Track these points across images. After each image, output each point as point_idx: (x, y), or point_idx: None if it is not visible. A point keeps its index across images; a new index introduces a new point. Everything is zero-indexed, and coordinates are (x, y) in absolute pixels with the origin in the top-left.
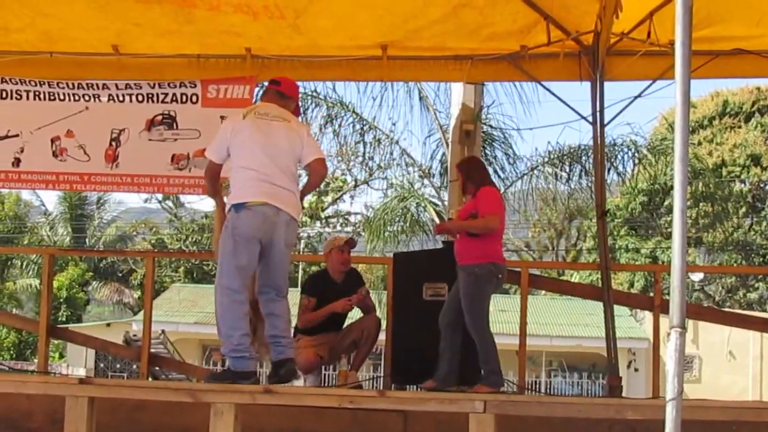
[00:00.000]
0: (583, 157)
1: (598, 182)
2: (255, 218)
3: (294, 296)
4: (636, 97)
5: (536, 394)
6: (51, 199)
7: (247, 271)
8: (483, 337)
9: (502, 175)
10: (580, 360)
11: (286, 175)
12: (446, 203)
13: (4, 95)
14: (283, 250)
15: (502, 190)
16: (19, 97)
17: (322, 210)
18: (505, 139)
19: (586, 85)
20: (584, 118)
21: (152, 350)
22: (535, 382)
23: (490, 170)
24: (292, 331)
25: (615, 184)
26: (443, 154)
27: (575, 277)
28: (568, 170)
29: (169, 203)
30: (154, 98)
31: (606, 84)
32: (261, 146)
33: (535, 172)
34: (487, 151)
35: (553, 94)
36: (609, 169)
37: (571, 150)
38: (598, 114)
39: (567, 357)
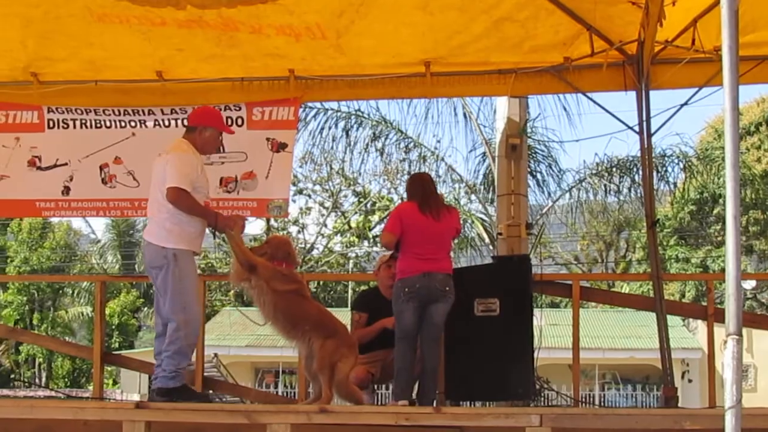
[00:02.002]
0: (632, 168)
1: (647, 192)
2: None
3: (337, 315)
4: (682, 105)
5: (591, 407)
6: (99, 227)
7: (156, 306)
8: (395, 351)
9: (547, 189)
10: (634, 372)
11: (152, 204)
12: (494, 218)
13: (51, 125)
14: (151, 273)
15: (549, 204)
16: (66, 126)
17: (369, 229)
18: (549, 153)
19: (632, 95)
20: (631, 128)
21: (206, 374)
22: (589, 395)
23: (533, 183)
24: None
25: (663, 193)
26: (487, 167)
27: (626, 289)
28: (617, 182)
29: None
30: None
31: (651, 93)
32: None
33: (583, 184)
34: (531, 165)
35: (599, 104)
36: (658, 179)
37: (619, 161)
38: (644, 123)
39: (620, 369)
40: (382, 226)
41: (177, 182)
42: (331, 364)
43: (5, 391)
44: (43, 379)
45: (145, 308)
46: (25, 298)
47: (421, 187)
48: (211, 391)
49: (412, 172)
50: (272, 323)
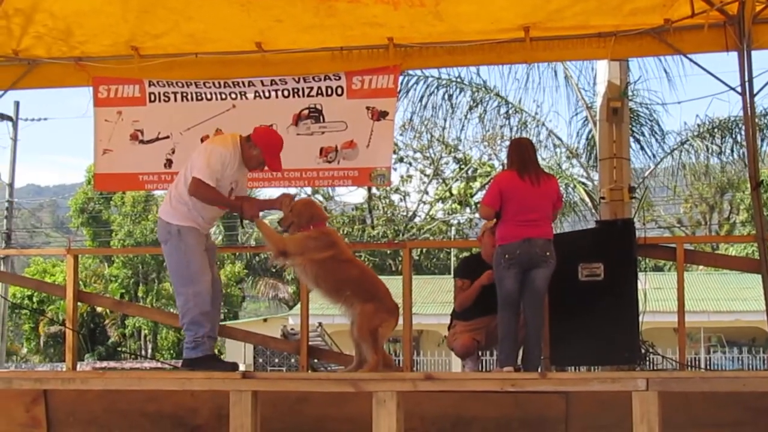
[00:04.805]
0: (734, 129)
1: (751, 153)
2: None
3: (440, 282)
4: None
5: (697, 371)
6: None
7: None
8: (498, 318)
9: (649, 152)
10: (740, 335)
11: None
12: (596, 182)
13: (152, 98)
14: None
15: (652, 167)
16: (167, 99)
17: (471, 196)
18: (651, 115)
19: (733, 56)
20: (733, 89)
21: (310, 343)
22: (695, 358)
23: (636, 147)
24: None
25: (766, 154)
26: (589, 131)
27: (730, 251)
28: (719, 143)
29: (319, 197)
30: (300, 93)
31: (753, 53)
32: None
33: (685, 146)
34: (633, 128)
35: (700, 66)
36: (760, 140)
37: (721, 122)
38: (747, 84)
39: (726, 332)
40: (484, 192)
41: (198, 173)
42: (371, 329)
43: (112, 364)
44: (149, 351)
45: (249, 278)
46: (129, 272)
47: (519, 153)
48: (316, 360)
49: (513, 138)
50: (316, 292)
